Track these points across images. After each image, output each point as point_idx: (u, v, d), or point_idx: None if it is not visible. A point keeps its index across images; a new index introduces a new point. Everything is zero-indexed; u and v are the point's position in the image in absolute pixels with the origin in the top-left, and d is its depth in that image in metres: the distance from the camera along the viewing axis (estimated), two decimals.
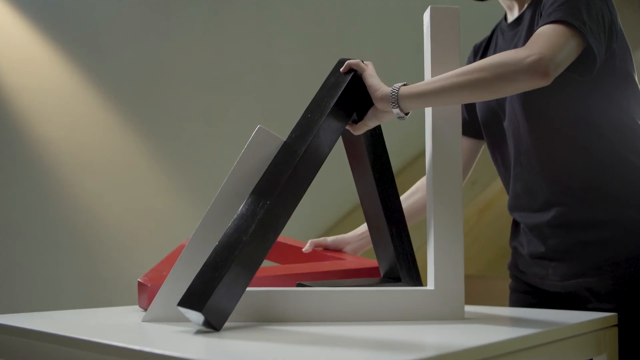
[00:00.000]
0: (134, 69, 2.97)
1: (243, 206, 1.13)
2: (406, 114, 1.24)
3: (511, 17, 1.53)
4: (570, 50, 1.24)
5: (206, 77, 3.17)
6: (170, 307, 1.16)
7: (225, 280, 1.04)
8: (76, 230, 2.77)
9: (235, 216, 1.12)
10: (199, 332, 1.06)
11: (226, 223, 1.16)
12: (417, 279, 1.38)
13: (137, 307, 1.43)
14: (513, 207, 1.52)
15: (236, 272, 1.06)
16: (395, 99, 1.22)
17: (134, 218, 2.92)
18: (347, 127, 1.30)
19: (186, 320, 1.14)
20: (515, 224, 1.55)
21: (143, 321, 1.18)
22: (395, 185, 1.40)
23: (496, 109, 1.50)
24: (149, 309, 1.19)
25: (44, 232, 2.71)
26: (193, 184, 3.05)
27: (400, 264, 1.37)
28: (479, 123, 1.58)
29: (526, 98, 1.40)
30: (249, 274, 1.10)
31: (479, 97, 1.23)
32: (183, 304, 1.05)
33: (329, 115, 1.22)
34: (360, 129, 1.30)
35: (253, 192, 1.15)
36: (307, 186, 1.19)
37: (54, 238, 2.72)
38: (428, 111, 1.28)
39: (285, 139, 1.21)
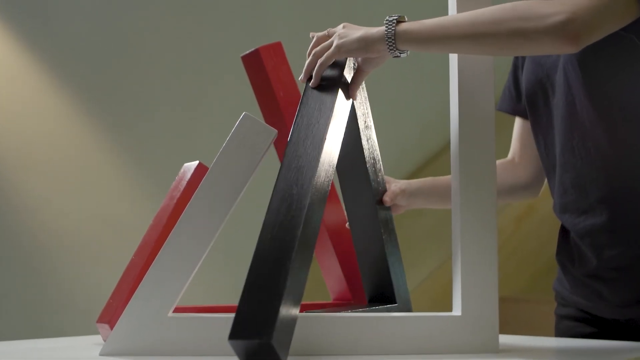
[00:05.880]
0: (91, 44, 2.97)
1: (274, 207, 1.13)
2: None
3: None
4: (612, 13, 1.21)
5: (180, 53, 3.17)
6: (137, 336, 1.16)
7: (285, 301, 1.04)
8: (18, 243, 2.77)
9: (265, 222, 1.11)
10: None
11: (208, 231, 1.17)
12: (409, 301, 1.45)
13: (93, 337, 1.43)
14: (560, 207, 1.50)
15: (290, 288, 1.06)
16: (393, 41, 1.24)
17: (90, 228, 2.92)
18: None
19: (156, 354, 1.14)
20: (564, 232, 1.53)
21: (101, 355, 1.18)
22: (385, 183, 1.46)
23: (544, 80, 1.49)
24: (108, 339, 1.19)
25: None
26: (163, 185, 3.04)
27: (396, 283, 1.43)
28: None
29: (586, 69, 1.39)
30: (301, 289, 1.10)
31: (491, 54, 1.25)
32: (239, 335, 1.01)
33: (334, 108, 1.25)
34: (358, 79, 1.33)
35: (276, 194, 1.14)
36: (330, 182, 1.21)
37: None
38: (454, 90, 1.28)
39: (274, 129, 1.22)
